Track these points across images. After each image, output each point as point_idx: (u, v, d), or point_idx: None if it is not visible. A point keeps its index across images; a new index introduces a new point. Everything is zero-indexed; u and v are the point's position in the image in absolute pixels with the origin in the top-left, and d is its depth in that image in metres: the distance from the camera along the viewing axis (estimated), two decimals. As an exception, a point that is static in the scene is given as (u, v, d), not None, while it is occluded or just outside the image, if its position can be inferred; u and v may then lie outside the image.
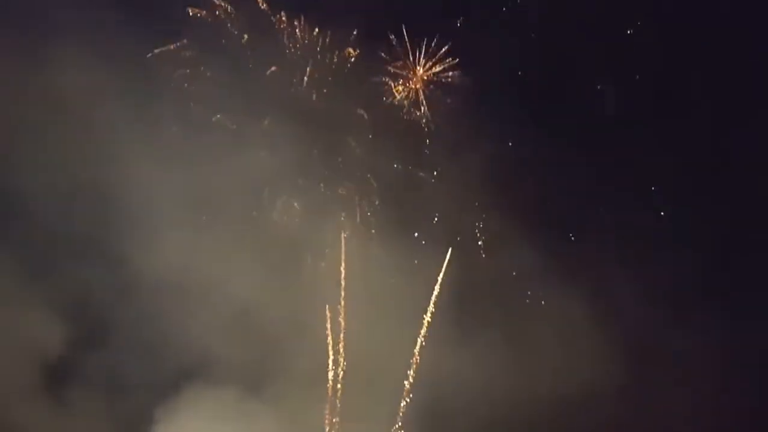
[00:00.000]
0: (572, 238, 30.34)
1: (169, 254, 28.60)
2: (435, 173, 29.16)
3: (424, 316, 31.96)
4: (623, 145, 29.79)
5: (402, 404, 35.13)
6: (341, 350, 32.12)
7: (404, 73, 26.60)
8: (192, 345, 30.66)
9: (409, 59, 25.76)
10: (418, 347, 32.72)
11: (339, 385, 32.52)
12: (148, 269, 28.19)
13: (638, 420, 32.03)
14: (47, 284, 27.01)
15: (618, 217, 30.01)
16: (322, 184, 30.42)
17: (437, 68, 25.97)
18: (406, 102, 26.80)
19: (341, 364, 33.45)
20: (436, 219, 31.78)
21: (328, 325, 33.45)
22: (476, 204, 29.55)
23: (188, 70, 26.67)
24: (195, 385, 30.72)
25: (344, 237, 30.11)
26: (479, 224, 30.41)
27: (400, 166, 29.89)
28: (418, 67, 26.25)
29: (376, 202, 29.99)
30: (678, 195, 29.26)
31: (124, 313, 30.49)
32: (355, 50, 25.71)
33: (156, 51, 25.10)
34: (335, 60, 26.62)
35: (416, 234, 31.41)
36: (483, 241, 30.23)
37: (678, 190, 29.33)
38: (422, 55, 25.97)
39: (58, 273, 27.38)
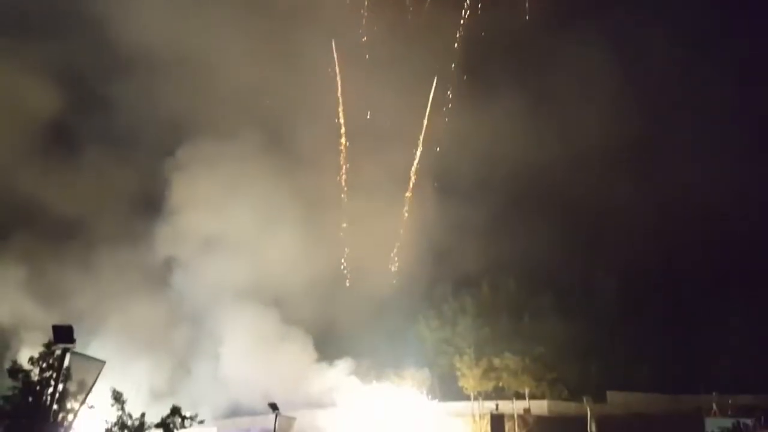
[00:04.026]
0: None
1: (171, 23, 26.68)
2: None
3: (434, 77, 30.54)
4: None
5: (413, 168, 35.07)
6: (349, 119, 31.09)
7: None
8: (200, 111, 29.83)
9: None
10: (428, 109, 31.65)
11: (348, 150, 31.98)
12: (148, 38, 26.54)
13: (654, 176, 32.00)
14: (47, 48, 25.89)
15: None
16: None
17: None
18: None
19: (351, 130, 32.59)
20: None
21: (340, 93, 32.16)
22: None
23: None
24: (209, 143, 30.46)
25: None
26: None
27: None
28: None
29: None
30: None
31: (125, 81, 29.38)
32: None
33: None
34: None
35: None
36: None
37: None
38: None
39: (57, 36, 26.11)
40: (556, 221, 35.97)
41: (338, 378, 32.21)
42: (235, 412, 32.91)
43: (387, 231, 37.31)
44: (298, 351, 32.62)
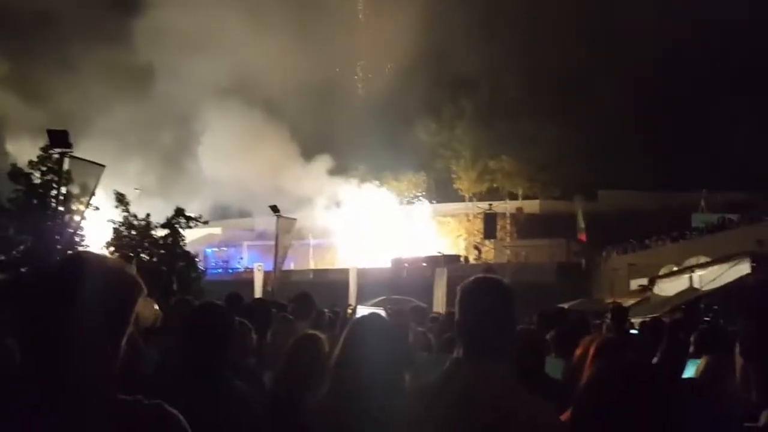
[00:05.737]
0: None
1: None
2: None
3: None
4: None
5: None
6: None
7: None
8: None
9: None
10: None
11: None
12: None
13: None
14: None
15: None
16: None
17: None
18: None
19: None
20: None
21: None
22: None
23: None
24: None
25: None
26: None
27: None
28: None
29: None
30: None
31: None
32: None
33: None
34: None
35: None
36: None
37: None
38: None
39: None
40: (558, 19, 34.10)
41: (320, 177, 32.16)
42: (224, 214, 33.44)
43: (380, 31, 35.38)
44: (283, 151, 32.26)
